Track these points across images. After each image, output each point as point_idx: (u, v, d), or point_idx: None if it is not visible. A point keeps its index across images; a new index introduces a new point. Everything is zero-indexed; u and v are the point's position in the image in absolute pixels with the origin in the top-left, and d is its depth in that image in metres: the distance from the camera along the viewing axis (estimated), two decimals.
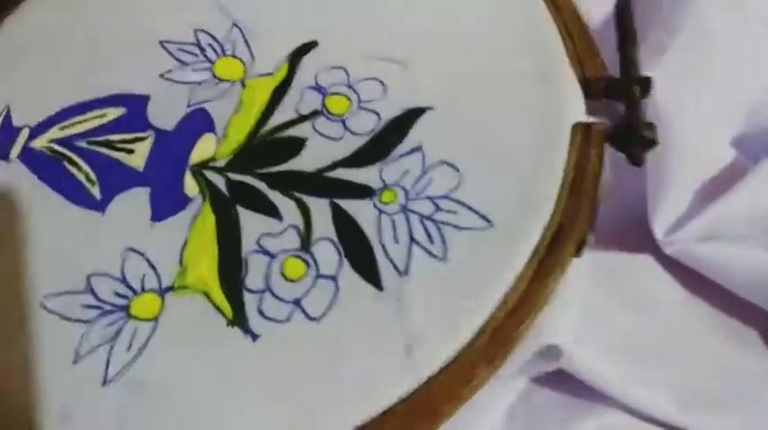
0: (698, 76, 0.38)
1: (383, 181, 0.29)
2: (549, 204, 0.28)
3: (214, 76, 0.32)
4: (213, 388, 0.26)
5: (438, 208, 0.28)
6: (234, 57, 0.33)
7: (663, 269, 0.38)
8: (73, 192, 0.30)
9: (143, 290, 0.28)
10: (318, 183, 0.29)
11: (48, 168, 0.31)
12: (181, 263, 0.28)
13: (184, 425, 0.26)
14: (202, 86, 0.32)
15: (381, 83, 0.31)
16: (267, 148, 0.30)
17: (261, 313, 0.27)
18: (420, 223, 0.28)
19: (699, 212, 0.37)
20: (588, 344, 0.34)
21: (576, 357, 0.33)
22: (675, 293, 0.38)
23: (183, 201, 0.29)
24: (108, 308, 0.28)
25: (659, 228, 0.37)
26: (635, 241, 0.38)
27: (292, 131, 0.31)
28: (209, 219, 0.29)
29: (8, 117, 0.32)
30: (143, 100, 0.32)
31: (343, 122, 0.31)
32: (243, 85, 0.32)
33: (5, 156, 0.31)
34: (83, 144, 0.31)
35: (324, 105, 0.31)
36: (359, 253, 0.28)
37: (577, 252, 0.28)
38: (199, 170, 0.30)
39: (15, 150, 0.31)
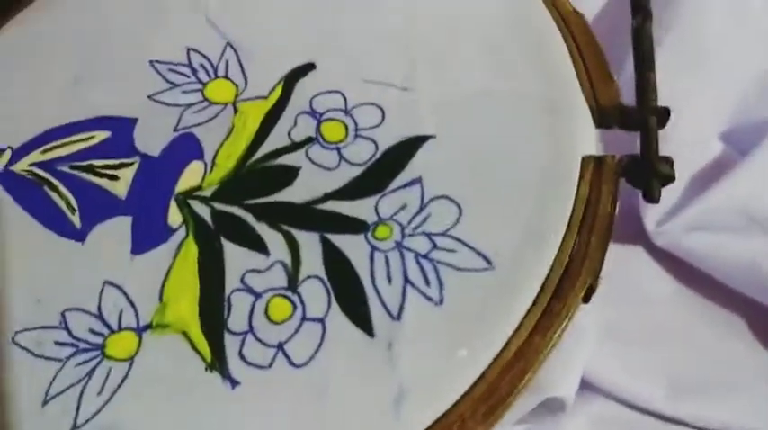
0: (690, 70, 0.39)
1: (378, 215, 0.27)
2: (554, 245, 0.26)
3: (205, 98, 0.31)
4: None
5: (435, 246, 0.26)
6: (226, 78, 0.31)
7: (653, 260, 0.39)
8: (52, 220, 0.29)
9: (120, 327, 0.26)
10: (309, 215, 0.28)
11: (27, 193, 0.29)
12: (161, 299, 0.27)
13: None
14: (192, 110, 0.30)
15: (380, 108, 0.30)
16: (257, 178, 0.29)
17: (242, 357, 0.25)
18: (416, 262, 0.26)
19: (689, 203, 0.38)
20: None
21: None
22: (665, 284, 0.39)
23: (165, 233, 0.28)
24: (82, 346, 0.26)
25: (650, 220, 0.38)
26: (625, 232, 0.39)
27: (284, 160, 0.29)
28: (191, 253, 0.27)
29: None
30: (130, 123, 0.30)
31: (339, 151, 0.29)
32: (235, 108, 0.30)
33: None
34: (65, 168, 0.30)
35: (318, 132, 0.29)
36: (349, 294, 0.26)
37: (585, 298, 0.26)
38: (184, 200, 0.28)
39: None
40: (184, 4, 0.33)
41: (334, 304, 0.26)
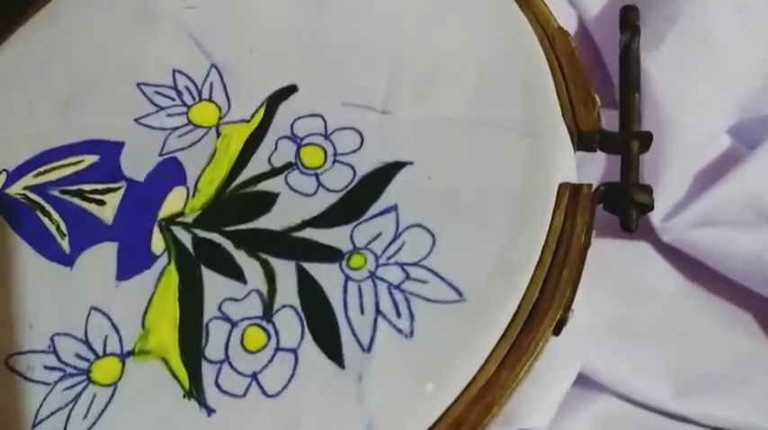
0: (696, 64, 0.39)
1: (353, 243, 0.27)
2: (525, 278, 0.26)
3: (189, 121, 0.31)
4: None
5: (408, 276, 0.27)
6: (210, 101, 0.31)
7: (659, 255, 0.39)
8: (43, 245, 0.30)
9: (105, 353, 0.27)
10: (286, 243, 0.28)
11: (21, 217, 0.30)
12: (143, 325, 0.28)
13: None
14: (177, 133, 0.31)
15: (359, 133, 0.30)
16: (236, 204, 0.29)
17: (218, 386, 0.26)
18: (388, 293, 0.26)
19: (695, 198, 0.38)
20: (584, 332, 0.34)
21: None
22: (672, 279, 0.38)
23: (149, 259, 0.29)
24: (70, 370, 0.27)
25: (656, 215, 0.38)
26: None
27: (264, 186, 0.29)
28: (173, 280, 0.28)
29: None
30: (117, 147, 0.31)
31: (317, 176, 0.29)
32: (218, 131, 0.31)
33: None
34: (56, 193, 0.31)
35: (298, 157, 0.30)
36: (322, 325, 0.26)
37: (556, 330, 0.26)
38: (167, 226, 0.29)
39: None
40: (171, 24, 0.33)
41: (307, 334, 0.26)
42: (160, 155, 0.31)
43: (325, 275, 0.27)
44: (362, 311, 0.26)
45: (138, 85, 0.32)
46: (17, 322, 0.28)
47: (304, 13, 0.32)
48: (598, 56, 0.40)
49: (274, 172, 0.29)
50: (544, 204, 0.27)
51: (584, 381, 0.35)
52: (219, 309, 0.27)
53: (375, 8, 0.32)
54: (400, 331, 0.26)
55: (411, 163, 0.29)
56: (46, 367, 0.27)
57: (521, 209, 0.27)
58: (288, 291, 0.27)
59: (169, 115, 0.31)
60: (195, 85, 0.32)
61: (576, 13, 0.40)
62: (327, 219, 0.28)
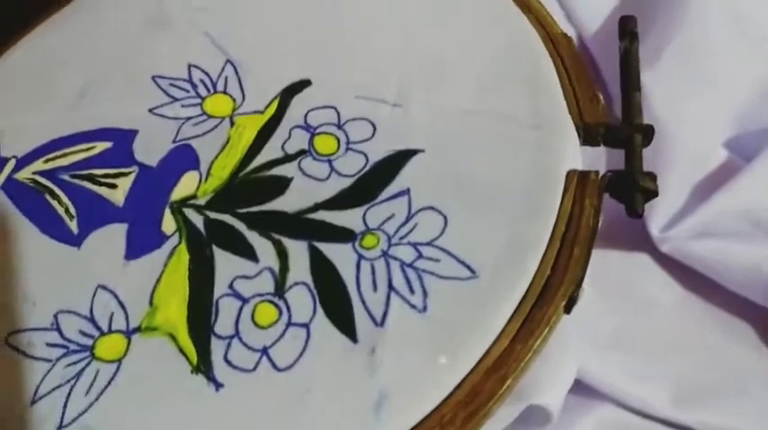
0: (693, 77, 0.39)
1: (366, 224, 0.28)
2: (536, 256, 0.26)
3: (204, 112, 0.32)
4: None
5: (421, 255, 0.27)
6: (225, 93, 0.32)
7: (658, 266, 0.39)
8: (50, 226, 0.30)
9: (110, 330, 0.27)
10: (299, 224, 0.28)
11: (28, 200, 0.30)
12: (151, 303, 0.27)
13: None
14: (191, 122, 0.31)
15: (372, 123, 0.30)
16: (250, 187, 0.29)
17: (227, 361, 0.26)
18: (401, 270, 0.26)
19: (694, 210, 0.39)
20: (584, 342, 0.34)
21: None
22: (670, 290, 0.39)
23: (159, 239, 0.29)
24: (73, 347, 0.27)
25: (655, 226, 0.38)
26: (631, 239, 0.39)
27: (277, 171, 0.30)
28: (183, 259, 0.28)
29: None
30: (130, 134, 0.31)
31: (330, 163, 0.30)
32: (232, 121, 0.31)
33: None
34: (66, 177, 0.31)
35: (311, 145, 0.30)
36: (334, 300, 0.26)
37: (567, 309, 0.26)
38: (178, 208, 0.29)
39: None
40: (186, 23, 0.34)
41: (320, 310, 0.26)
42: (173, 142, 0.31)
43: (338, 254, 0.27)
44: (375, 288, 0.26)
45: (153, 77, 0.33)
46: (19, 300, 0.28)
47: (315, 9, 0.33)
48: (598, 73, 0.41)
49: (288, 158, 0.30)
50: (553, 189, 0.27)
51: (584, 390, 0.35)
52: (230, 286, 0.27)
53: (385, 5, 0.33)
54: (414, 306, 0.26)
55: (423, 150, 0.29)
56: (48, 344, 0.27)
57: (531, 194, 0.28)
58: (300, 268, 0.27)
59: (183, 106, 0.32)
60: (210, 79, 0.33)
61: (574, 30, 0.41)
62: (340, 201, 0.28)
